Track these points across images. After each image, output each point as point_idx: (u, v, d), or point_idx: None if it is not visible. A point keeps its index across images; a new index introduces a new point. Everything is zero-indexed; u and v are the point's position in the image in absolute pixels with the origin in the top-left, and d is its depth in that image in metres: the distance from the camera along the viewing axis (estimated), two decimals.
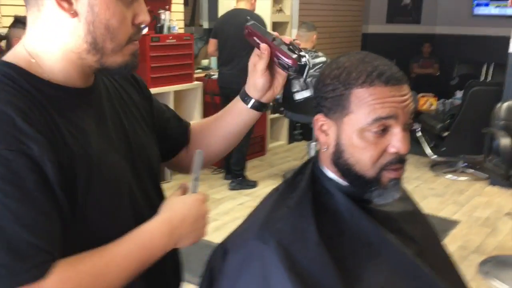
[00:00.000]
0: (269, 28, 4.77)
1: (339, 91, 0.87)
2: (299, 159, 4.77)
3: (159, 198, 0.95)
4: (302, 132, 5.52)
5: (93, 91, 0.83)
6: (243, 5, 3.92)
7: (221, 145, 1.09)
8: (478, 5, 7.18)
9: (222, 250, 0.91)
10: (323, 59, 3.88)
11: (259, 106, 1.02)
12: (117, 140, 0.85)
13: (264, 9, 4.69)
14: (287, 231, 0.85)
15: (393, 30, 7.37)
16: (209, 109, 4.23)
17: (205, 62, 4.83)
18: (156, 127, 1.01)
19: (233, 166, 4.04)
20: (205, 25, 5.54)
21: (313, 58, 3.89)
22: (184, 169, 1.09)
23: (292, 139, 5.47)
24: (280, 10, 5.04)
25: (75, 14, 0.73)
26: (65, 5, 0.72)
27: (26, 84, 0.73)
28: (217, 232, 3.20)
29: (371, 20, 7.24)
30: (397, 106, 0.84)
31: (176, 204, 0.86)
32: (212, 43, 4.03)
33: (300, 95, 3.90)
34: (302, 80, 0.90)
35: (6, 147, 0.66)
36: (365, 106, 0.84)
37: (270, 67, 0.98)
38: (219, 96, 4.13)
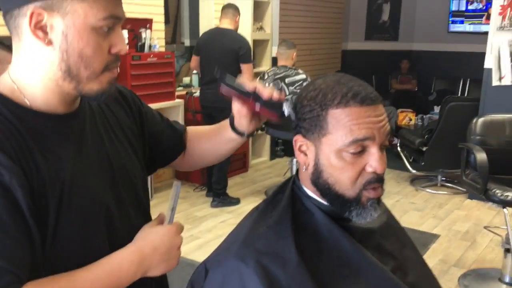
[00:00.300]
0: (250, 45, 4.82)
1: (316, 112, 0.89)
2: (281, 175, 4.78)
3: (143, 221, 0.95)
4: (284, 148, 5.55)
5: (75, 116, 0.85)
6: (226, 24, 3.93)
7: (211, 158, 1.17)
8: (454, 22, 7.38)
9: (204, 269, 0.92)
10: (303, 76, 3.93)
11: (248, 134, 1.07)
12: (98, 165, 0.86)
13: (244, 27, 4.74)
14: (266, 251, 0.86)
15: (372, 47, 7.52)
16: (191, 126, 4.23)
17: (186, 79, 4.84)
18: (150, 141, 1.04)
19: (215, 185, 4.02)
20: (187, 42, 5.57)
21: (293, 76, 3.94)
22: (184, 167, 1.18)
23: (274, 155, 5.50)
24: (261, 28, 5.10)
25: (49, 42, 0.76)
26: (40, 34, 0.76)
27: (5, 111, 0.76)
28: (199, 250, 3.18)
29: (350, 37, 7.38)
30: (373, 127, 0.86)
31: (150, 234, 0.88)
32: (194, 60, 4.04)
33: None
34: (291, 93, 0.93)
35: None
36: (342, 128, 0.86)
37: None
38: (200, 113, 4.14)
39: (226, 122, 1.08)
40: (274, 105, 0.95)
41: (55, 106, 0.81)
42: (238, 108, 1.02)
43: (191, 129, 1.17)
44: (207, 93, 3.93)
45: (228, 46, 3.78)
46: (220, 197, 4.05)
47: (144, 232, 0.89)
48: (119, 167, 0.91)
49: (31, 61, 0.78)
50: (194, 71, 4.76)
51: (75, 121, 0.85)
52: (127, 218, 0.91)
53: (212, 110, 3.83)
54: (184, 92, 4.47)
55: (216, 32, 3.97)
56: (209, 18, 4.84)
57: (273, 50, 5.03)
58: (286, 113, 0.94)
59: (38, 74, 0.79)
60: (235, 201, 4.10)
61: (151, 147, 1.05)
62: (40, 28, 0.75)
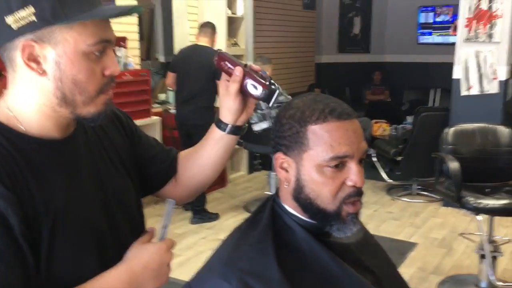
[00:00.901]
0: None
1: (295, 129, 0.92)
2: (260, 189, 4.80)
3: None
4: (262, 162, 5.57)
5: (70, 141, 0.87)
6: (204, 42, 3.95)
7: (207, 173, 1.12)
8: (423, 34, 7.59)
9: None
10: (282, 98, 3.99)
11: (236, 130, 1.06)
12: (91, 189, 0.88)
13: (219, 42, 4.76)
14: (249, 270, 0.88)
15: (345, 59, 7.66)
16: (169, 143, 4.21)
17: (162, 96, 4.84)
18: (142, 164, 1.05)
19: (194, 203, 4.00)
20: (161, 59, 5.57)
21: None
22: (176, 198, 1.11)
23: (252, 169, 5.51)
24: (235, 44, 5.14)
25: (43, 73, 0.78)
26: (34, 65, 0.78)
27: (1, 138, 0.78)
28: (180, 268, 3.15)
29: (324, 51, 7.50)
30: (352, 144, 0.90)
31: (140, 252, 0.89)
32: (170, 76, 4.04)
33: (258, 127, 3.96)
34: (267, 107, 0.95)
35: None
36: (322, 144, 0.90)
37: (242, 91, 1.03)
38: (177, 130, 4.14)
39: (212, 126, 1.08)
40: (264, 78, 0.99)
41: (51, 131, 0.83)
42: (225, 85, 1.02)
43: (181, 153, 1.15)
44: (183, 110, 3.93)
45: (202, 63, 3.79)
46: (200, 213, 4.04)
47: (134, 251, 0.89)
48: (113, 191, 0.92)
49: (27, 90, 0.80)
50: (170, 88, 4.76)
51: (70, 145, 0.86)
52: (119, 242, 0.91)
53: (189, 127, 3.83)
54: (160, 109, 4.47)
55: (194, 49, 3.99)
56: (184, 34, 4.87)
57: None
58: (273, 86, 0.99)
59: (33, 101, 0.81)
60: (214, 217, 4.10)
61: (143, 171, 1.05)
62: (33, 60, 0.77)
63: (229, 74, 1.01)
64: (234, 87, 1.00)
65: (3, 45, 0.78)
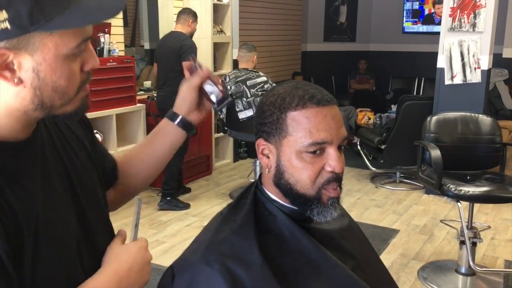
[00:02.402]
0: (210, 49, 4.84)
1: (275, 115, 0.93)
2: (245, 177, 4.82)
3: (108, 239, 0.92)
4: (247, 150, 5.59)
5: (35, 139, 0.79)
6: (179, 28, 4.03)
7: (150, 170, 1.11)
8: (408, 22, 7.63)
9: (171, 273, 0.94)
10: (264, 78, 3.99)
11: (186, 125, 1.07)
12: (61, 187, 0.83)
13: (204, 30, 4.75)
14: (230, 254, 0.89)
15: (330, 48, 7.67)
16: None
17: (147, 83, 4.80)
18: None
19: (163, 185, 3.97)
20: (146, 45, 5.52)
21: (254, 78, 3.98)
22: (114, 202, 1.08)
23: (237, 157, 5.53)
24: (221, 31, 5.12)
25: (19, 81, 0.70)
26: (8, 74, 0.69)
27: None
28: (165, 255, 3.18)
29: (309, 39, 7.50)
30: (331, 130, 0.91)
31: (121, 254, 0.86)
32: (155, 65, 4.16)
33: (243, 114, 3.97)
34: (218, 106, 1.02)
35: None
36: (301, 130, 0.91)
37: (200, 93, 1.08)
38: (160, 117, 4.13)
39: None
40: (216, 84, 1.08)
41: (17, 132, 0.75)
42: (188, 77, 1.08)
43: (119, 158, 1.10)
44: (160, 95, 4.04)
45: (171, 47, 3.89)
46: (168, 198, 4.01)
47: (114, 253, 0.87)
48: (81, 185, 0.87)
49: None
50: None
51: (35, 144, 0.79)
52: (93, 243, 0.88)
53: (162, 113, 3.88)
54: (145, 97, 4.44)
55: (168, 36, 4.08)
56: (169, 21, 4.82)
57: (233, 52, 5.06)
58: (230, 98, 1.11)
59: (3, 107, 0.73)
60: (183, 206, 4.05)
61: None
62: (6, 68, 0.68)
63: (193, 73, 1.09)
64: (196, 80, 1.06)
65: None
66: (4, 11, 0.64)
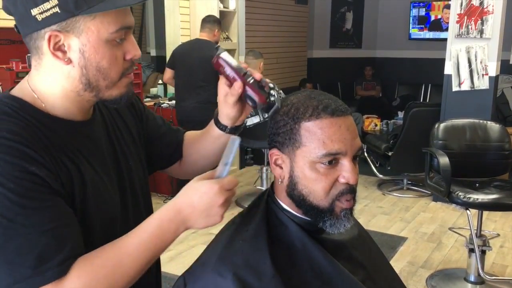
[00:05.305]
0: None
1: (289, 126, 0.92)
2: (252, 184, 4.81)
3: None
4: (254, 156, 5.58)
5: (91, 123, 0.93)
6: (205, 36, 3.91)
7: (207, 162, 1.16)
8: (414, 29, 7.62)
9: (183, 282, 0.93)
10: (270, 85, 3.98)
11: (235, 130, 1.08)
12: (110, 169, 0.94)
13: None
14: (243, 264, 0.88)
15: (336, 54, 7.66)
16: (189, 132, 4.20)
17: (154, 90, 4.82)
18: (148, 144, 1.11)
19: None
20: (152, 52, 5.55)
21: None
22: (180, 175, 1.20)
23: (243, 164, 5.52)
24: (227, 38, 5.13)
25: (69, 61, 0.83)
26: (60, 54, 0.82)
27: (29, 116, 0.83)
28: (171, 262, 3.17)
29: (315, 46, 7.50)
30: (345, 141, 0.90)
31: (190, 190, 0.87)
32: (168, 72, 3.98)
33: (250, 121, 3.94)
34: (263, 117, 0.93)
35: (18, 169, 0.76)
36: (315, 140, 0.89)
37: (240, 97, 1.01)
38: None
39: (212, 124, 1.10)
40: (263, 88, 0.97)
41: (73, 114, 0.88)
42: (224, 92, 1.01)
43: (187, 135, 1.19)
44: (185, 107, 3.83)
45: (202, 56, 3.70)
46: None
47: (187, 187, 0.88)
48: (127, 170, 0.98)
49: (52, 76, 0.85)
50: (160, 82, 4.74)
51: (91, 127, 0.92)
52: (126, 221, 0.96)
53: (194, 124, 3.78)
54: (152, 103, 4.45)
55: (195, 43, 3.94)
56: (175, 28, 4.84)
57: (240, 59, 5.07)
58: (272, 98, 0.96)
59: (59, 87, 0.86)
60: None
61: (150, 150, 1.11)
62: (58, 49, 0.82)
63: (228, 80, 0.99)
64: (232, 99, 1.00)
65: (29, 35, 0.83)
66: None
